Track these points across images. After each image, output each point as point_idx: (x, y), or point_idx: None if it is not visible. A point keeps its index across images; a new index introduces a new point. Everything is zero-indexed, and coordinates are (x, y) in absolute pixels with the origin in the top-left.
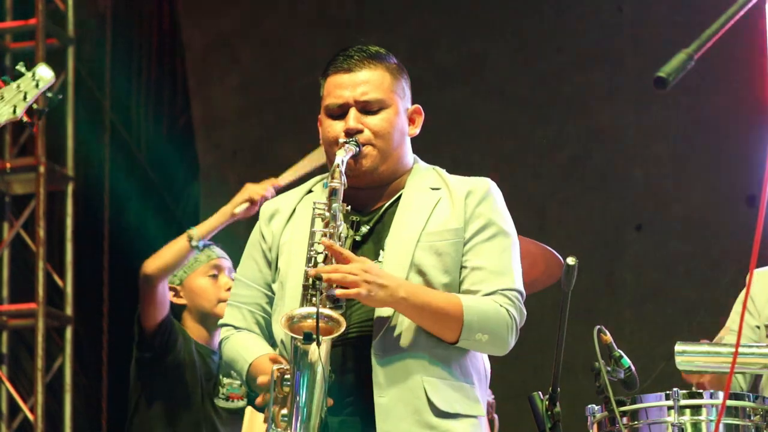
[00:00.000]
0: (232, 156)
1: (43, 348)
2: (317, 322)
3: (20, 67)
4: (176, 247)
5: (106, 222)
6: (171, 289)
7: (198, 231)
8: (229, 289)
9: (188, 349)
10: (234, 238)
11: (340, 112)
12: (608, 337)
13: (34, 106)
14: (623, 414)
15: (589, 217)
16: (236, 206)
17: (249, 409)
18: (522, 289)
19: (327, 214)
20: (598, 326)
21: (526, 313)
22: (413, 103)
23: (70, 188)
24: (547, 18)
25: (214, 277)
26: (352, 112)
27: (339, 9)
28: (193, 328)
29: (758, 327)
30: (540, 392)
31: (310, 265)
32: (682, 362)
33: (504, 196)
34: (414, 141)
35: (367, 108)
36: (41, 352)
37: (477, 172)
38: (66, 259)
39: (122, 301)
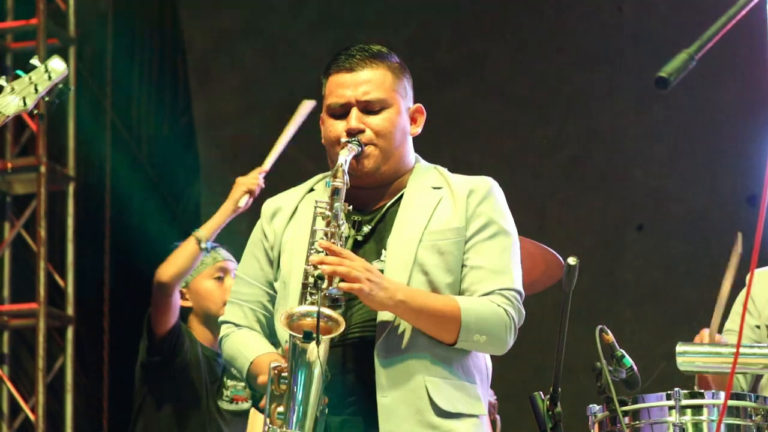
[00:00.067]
0: (233, 156)
1: (44, 348)
2: (317, 321)
3: (34, 61)
4: (187, 251)
5: (107, 222)
6: None
7: (205, 232)
8: None
9: (194, 351)
10: (236, 237)
11: (341, 112)
12: (610, 336)
13: (46, 98)
14: (624, 414)
15: (590, 217)
16: (237, 201)
17: (252, 411)
18: (521, 288)
19: (328, 213)
20: (600, 326)
21: (524, 312)
22: (415, 102)
23: (71, 188)
24: (547, 18)
25: (220, 279)
26: (354, 112)
27: (339, 9)
28: (198, 331)
29: (758, 327)
30: (541, 392)
31: (310, 263)
32: (683, 362)
33: (504, 196)
34: (414, 141)
35: (368, 107)
36: (42, 352)
37: (477, 172)
38: (67, 259)
39: (123, 301)
